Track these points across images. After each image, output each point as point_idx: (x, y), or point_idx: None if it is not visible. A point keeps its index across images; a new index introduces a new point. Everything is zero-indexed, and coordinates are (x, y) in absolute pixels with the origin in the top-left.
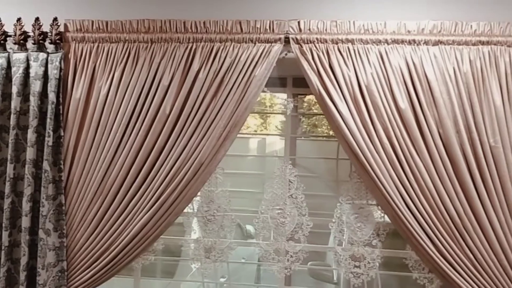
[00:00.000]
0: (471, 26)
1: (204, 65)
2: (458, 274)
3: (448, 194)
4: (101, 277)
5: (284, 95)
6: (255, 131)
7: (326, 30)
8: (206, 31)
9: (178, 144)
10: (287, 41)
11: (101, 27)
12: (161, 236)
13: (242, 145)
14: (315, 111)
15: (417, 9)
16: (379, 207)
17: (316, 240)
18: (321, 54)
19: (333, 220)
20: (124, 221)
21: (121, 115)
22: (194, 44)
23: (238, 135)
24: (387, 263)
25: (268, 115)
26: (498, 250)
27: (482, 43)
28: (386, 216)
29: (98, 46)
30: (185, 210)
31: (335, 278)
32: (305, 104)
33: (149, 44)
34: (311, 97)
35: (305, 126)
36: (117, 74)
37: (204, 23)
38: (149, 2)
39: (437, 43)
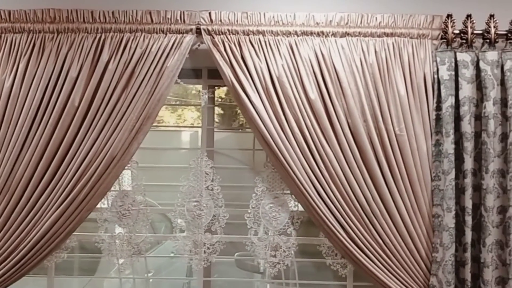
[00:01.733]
0: (376, 18)
1: (113, 56)
2: (368, 258)
3: (357, 181)
4: (11, 277)
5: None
6: (192, 124)
7: (237, 21)
8: (115, 21)
9: (88, 137)
10: (199, 32)
11: (3, 17)
12: (83, 233)
13: (177, 138)
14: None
15: (325, 1)
16: (293, 196)
17: (237, 231)
18: (233, 45)
19: (249, 211)
20: (34, 219)
21: (27, 109)
22: (103, 34)
23: (171, 129)
24: (303, 251)
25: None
26: (405, 234)
27: (387, 34)
28: (299, 205)
29: (0, 36)
30: (98, 206)
31: (261, 268)
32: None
33: (56, 35)
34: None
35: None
36: (21, 66)
37: (113, 13)
38: None
39: (344, 35)
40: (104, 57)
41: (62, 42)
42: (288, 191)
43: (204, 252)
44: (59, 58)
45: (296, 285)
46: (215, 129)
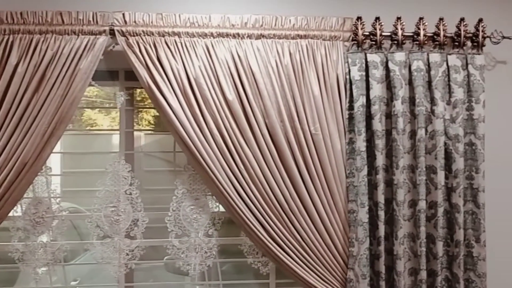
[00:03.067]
0: (290, 20)
1: (23, 58)
2: (288, 256)
3: (275, 181)
4: None
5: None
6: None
7: (152, 22)
8: (24, 22)
9: None
10: (113, 33)
11: None
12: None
13: (107, 142)
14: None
15: (241, 4)
16: (214, 197)
17: (158, 235)
18: (148, 47)
19: (169, 214)
20: None
21: None
22: (11, 36)
23: (99, 133)
24: (225, 251)
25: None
26: (322, 230)
27: (300, 36)
28: (220, 206)
29: None
30: (10, 214)
31: (189, 271)
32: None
33: None
34: None
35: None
36: None
37: (21, 13)
38: None
39: (259, 36)
40: (13, 59)
41: None
42: (209, 193)
43: (123, 258)
44: None
45: (219, 286)
46: (144, 132)
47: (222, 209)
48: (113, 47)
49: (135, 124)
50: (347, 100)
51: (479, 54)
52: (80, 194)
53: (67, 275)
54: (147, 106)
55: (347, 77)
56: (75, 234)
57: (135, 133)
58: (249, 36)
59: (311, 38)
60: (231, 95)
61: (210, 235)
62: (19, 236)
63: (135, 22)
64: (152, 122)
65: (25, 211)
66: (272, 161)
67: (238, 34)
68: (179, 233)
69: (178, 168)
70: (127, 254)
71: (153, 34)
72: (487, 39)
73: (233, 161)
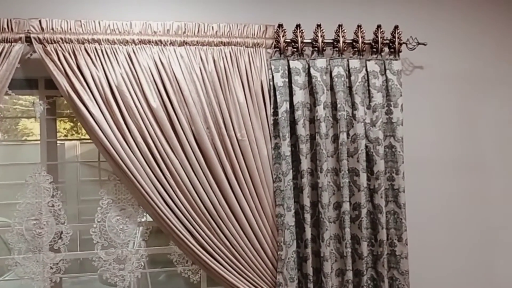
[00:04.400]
0: (213, 27)
1: None
2: (218, 263)
3: (203, 188)
4: None
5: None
6: (65, 135)
7: (70, 29)
8: None
9: None
10: (29, 40)
11: None
12: None
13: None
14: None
15: (163, 10)
16: (141, 207)
17: (85, 247)
18: (67, 54)
19: (94, 225)
20: None
21: None
22: None
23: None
24: (153, 260)
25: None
26: (251, 235)
27: (224, 44)
28: (147, 215)
29: None
30: None
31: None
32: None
33: None
34: None
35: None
36: None
37: None
38: None
39: (182, 43)
40: None
41: None
42: (135, 202)
43: (47, 272)
44: None
45: None
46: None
47: (150, 218)
48: (31, 55)
49: (73, 132)
50: (272, 106)
51: (396, 59)
52: (10, 207)
53: None
54: (69, 115)
55: (271, 83)
56: (5, 249)
57: (71, 142)
58: (172, 43)
59: (234, 45)
60: (155, 103)
61: (139, 246)
62: None
63: (52, 29)
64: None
65: None
66: (199, 168)
67: (160, 41)
68: (105, 244)
69: (103, 178)
70: (51, 268)
71: (72, 42)
72: (404, 45)
73: (159, 169)
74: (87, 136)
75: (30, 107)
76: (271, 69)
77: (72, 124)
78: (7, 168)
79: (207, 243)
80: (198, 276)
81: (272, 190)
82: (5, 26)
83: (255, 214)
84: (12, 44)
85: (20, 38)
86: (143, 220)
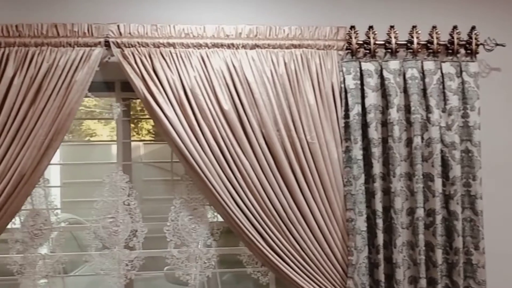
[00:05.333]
0: (284, 30)
1: (19, 70)
2: (287, 265)
3: (273, 190)
4: None
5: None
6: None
7: (147, 33)
8: (20, 35)
9: None
10: (108, 45)
11: None
12: None
13: (106, 152)
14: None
15: (235, 14)
16: (212, 207)
17: (158, 246)
18: (143, 58)
19: (168, 224)
20: None
21: None
22: (7, 48)
23: (96, 143)
24: (224, 261)
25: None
26: (321, 239)
27: (295, 46)
28: (219, 216)
29: None
30: (8, 226)
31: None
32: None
33: None
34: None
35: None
36: None
37: (16, 26)
38: None
39: (254, 46)
40: (9, 72)
41: None
42: (207, 203)
43: (123, 269)
44: None
45: None
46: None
47: (220, 219)
48: (109, 58)
49: (134, 133)
50: (343, 108)
51: (472, 61)
52: (80, 205)
53: (67, 287)
54: (144, 117)
55: (342, 85)
56: (75, 246)
57: (134, 143)
58: (244, 46)
59: (305, 47)
60: (227, 105)
61: (209, 245)
62: (18, 248)
63: (129, 33)
64: (151, 131)
65: (23, 223)
66: (269, 170)
67: (232, 44)
68: (178, 243)
69: (176, 178)
70: (127, 265)
71: (148, 45)
72: (481, 47)
73: (230, 171)
74: (147, 138)
75: (103, 109)
76: (342, 71)
77: (133, 125)
78: (78, 168)
79: (277, 245)
80: (267, 278)
81: (342, 194)
82: (86, 31)
83: (325, 218)
84: (92, 48)
85: (99, 42)
86: (214, 220)
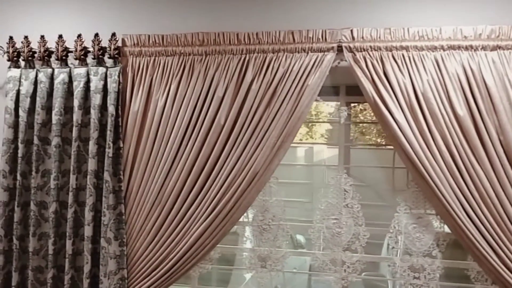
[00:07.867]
0: None
1: (257, 76)
2: None
3: (510, 203)
4: (161, 285)
5: (334, 104)
6: (301, 139)
7: (379, 37)
8: (259, 42)
9: (233, 154)
10: (339, 49)
11: (157, 41)
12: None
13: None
14: (362, 118)
15: (474, 14)
16: (438, 217)
17: (369, 251)
18: (375, 61)
19: (391, 230)
20: (182, 230)
21: (177, 127)
22: (247, 55)
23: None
24: (448, 275)
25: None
26: None
27: None
28: (446, 226)
29: (154, 59)
30: (240, 220)
31: None
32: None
33: (204, 57)
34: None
35: (352, 134)
36: (173, 87)
37: (257, 34)
38: (203, 16)
39: (495, 48)
40: (248, 77)
41: (210, 63)
42: (433, 212)
43: (345, 271)
44: (207, 79)
45: None
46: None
47: (447, 229)
48: (338, 63)
49: (308, 136)
50: None
51: None
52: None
53: (272, 282)
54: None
55: None
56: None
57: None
58: (483, 48)
59: None
60: (461, 110)
61: (434, 257)
62: (246, 240)
63: (362, 38)
64: (325, 135)
65: (253, 217)
66: (507, 181)
67: (471, 46)
68: (399, 250)
69: (399, 185)
70: (348, 267)
71: (380, 49)
72: None
73: (463, 180)
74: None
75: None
76: None
77: (307, 129)
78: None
79: None
80: None
81: None
82: (320, 36)
83: None
84: (325, 53)
85: (332, 48)
86: (440, 230)
